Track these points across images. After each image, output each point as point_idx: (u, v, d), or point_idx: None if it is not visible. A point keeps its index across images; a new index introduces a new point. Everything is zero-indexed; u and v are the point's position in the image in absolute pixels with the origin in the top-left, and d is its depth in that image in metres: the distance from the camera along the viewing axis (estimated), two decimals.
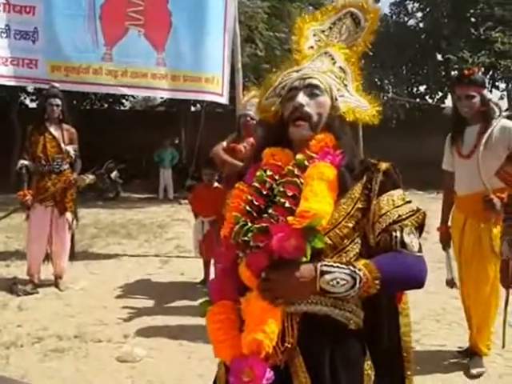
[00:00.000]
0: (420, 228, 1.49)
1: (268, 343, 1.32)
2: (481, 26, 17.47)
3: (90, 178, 5.87)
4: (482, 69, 18.81)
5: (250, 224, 1.45)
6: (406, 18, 20.71)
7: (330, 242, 1.41)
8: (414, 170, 16.04)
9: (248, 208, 1.49)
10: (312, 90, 1.54)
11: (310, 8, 15.29)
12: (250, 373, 1.31)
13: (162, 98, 17.82)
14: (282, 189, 1.47)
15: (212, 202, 4.89)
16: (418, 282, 1.45)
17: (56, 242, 5.49)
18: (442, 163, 3.84)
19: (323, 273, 1.34)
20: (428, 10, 19.20)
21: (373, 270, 1.35)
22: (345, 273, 1.34)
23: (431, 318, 4.57)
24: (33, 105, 19.04)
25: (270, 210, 1.46)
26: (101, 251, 7.50)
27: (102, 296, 5.24)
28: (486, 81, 3.60)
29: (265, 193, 1.51)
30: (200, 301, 1.61)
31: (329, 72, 1.61)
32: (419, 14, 20.24)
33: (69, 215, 5.53)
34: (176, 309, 4.80)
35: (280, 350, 1.38)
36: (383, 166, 1.51)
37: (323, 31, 1.79)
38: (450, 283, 3.79)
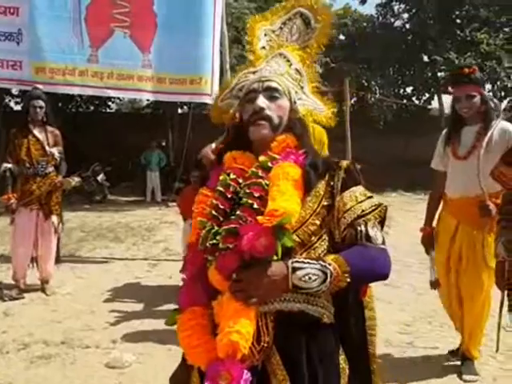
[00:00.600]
0: (382, 221, 1.53)
1: (244, 344, 1.31)
2: (466, 28, 17.63)
3: (75, 180, 5.82)
4: None
5: (216, 228, 1.45)
6: (392, 19, 20.77)
7: (298, 239, 1.43)
8: (401, 171, 16.16)
9: (214, 212, 1.49)
10: (271, 93, 1.55)
11: None
12: (227, 376, 1.30)
13: (148, 100, 17.74)
14: (247, 190, 1.47)
15: None
16: (383, 274, 1.48)
17: (42, 246, 5.42)
18: (429, 164, 3.74)
19: (295, 269, 1.35)
20: (414, 11, 19.30)
21: (342, 264, 1.37)
22: (316, 268, 1.35)
23: (422, 320, 4.57)
24: (17, 107, 18.86)
25: (237, 212, 1.46)
26: (88, 255, 7.43)
27: (90, 300, 5.17)
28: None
29: (229, 196, 1.51)
30: None
31: (286, 74, 1.62)
32: (405, 15, 20.35)
33: (54, 218, 5.46)
34: (165, 313, 4.73)
35: (256, 350, 1.38)
36: (344, 163, 1.54)
37: (274, 31, 1.78)
38: (435, 284, 3.63)
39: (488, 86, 18.38)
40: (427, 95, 19.41)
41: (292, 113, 1.58)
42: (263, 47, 1.75)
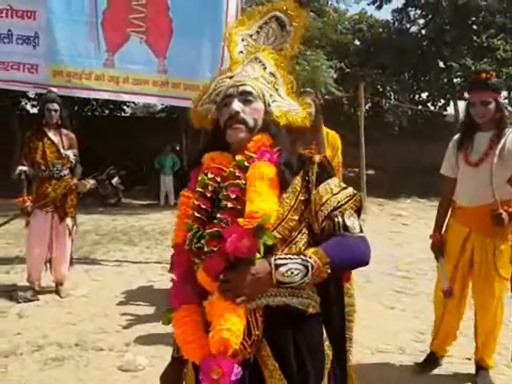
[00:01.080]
0: (358, 210, 1.59)
1: (234, 340, 1.38)
2: (483, 34, 17.55)
3: (90, 182, 5.86)
4: None
5: (201, 230, 1.52)
6: (408, 25, 20.73)
7: (279, 236, 1.49)
8: (416, 177, 16.11)
9: (196, 214, 1.55)
10: (246, 97, 1.61)
11: (312, 14, 15.30)
12: (218, 370, 1.36)
13: (162, 104, 17.85)
14: (225, 192, 1.54)
15: None
16: (362, 261, 1.55)
17: (56, 248, 5.46)
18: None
19: (277, 266, 1.42)
20: (430, 17, 19.22)
21: (322, 256, 1.44)
22: (297, 262, 1.43)
23: None
24: (34, 110, 19.08)
25: (218, 215, 1.52)
26: (102, 258, 7.47)
27: (104, 303, 5.21)
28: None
29: (209, 196, 1.57)
30: None
31: (260, 78, 1.68)
32: (421, 21, 20.30)
33: (69, 221, 5.50)
34: None
35: (248, 344, 1.46)
36: (317, 158, 1.60)
37: (251, 35, 1.84)
38: (448, 293, 3.52)
39: (504, 93, 18.28)
40: (443, 101, 19.33)
41: (266, 115, 1.64)
42: (241, 52, 1.80)
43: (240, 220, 1.43)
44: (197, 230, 1.53)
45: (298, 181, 1.56)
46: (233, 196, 1.51)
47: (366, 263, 1.55)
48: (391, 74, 18.81)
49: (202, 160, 1.67)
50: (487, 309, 3.43)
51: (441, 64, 19.02)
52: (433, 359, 3.74)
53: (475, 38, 17.74)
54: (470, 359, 3.75)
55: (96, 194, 12.79)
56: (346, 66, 18.46)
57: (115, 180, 14.11)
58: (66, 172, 5.46)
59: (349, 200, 1.56)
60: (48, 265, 5.53)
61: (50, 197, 5.33)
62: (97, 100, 18.36)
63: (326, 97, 15.11)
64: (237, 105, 1.59)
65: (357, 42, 20.25)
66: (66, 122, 5.56)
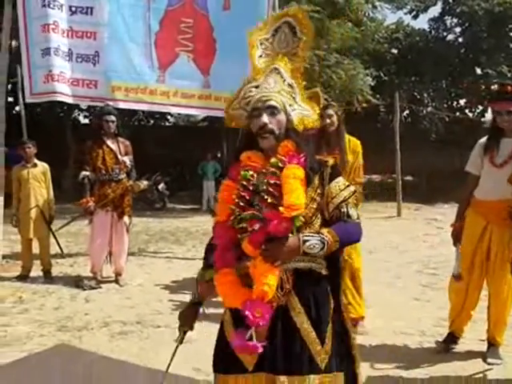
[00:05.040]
0: (356, 203, 2.15)
1: (270, 292, 1.88)
2: None
3: (144, 183, 6.54)
4: None
5: (242, 214, 1.98)
6: (444, 33, 20.92)
7: (303, 219, 1.96)
8: (453, 183, 16.15)
9: (240, 202, 2.01)
10: (272, 111, 2.02)
11: (350, 25, 15.55)
12: (259, 311, 1.89)
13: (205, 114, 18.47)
14: (266, 188, 1.97)
15: None
16: (357, 240, 2.13)
17: (116, 243, 6.13)
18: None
19: (304, 241, 1.91)
20: (467, 25, 19.40)
21: (334, 236, 1.94)
22: (317, 239, 1.92)
23: None
24: (85, 121, 20.04)
25: (255, 202, 1.99)
26: (153, 254, 8.20)
27: (157, 291, 5.86)
28: None
29: (251, 188, 2.02)
30: None
31: (281, 91, 2.07)
32: (458, 29, 20.45)
33: (126, 219, 6.18)
34: (219, 302, 5.31)
35: (281, 294, 1.97)
36: (330, 162, 2.10)
37: (267, 39, 2.19)
38: (458, 277, 3.95)
39: None
40: (481, 108, 19.41)
41: (288, 123, 2.05)
42: (260, 56, 2.17)
43: (281, 208, 1.87)
44: (239, 214, 1.98)
45: (316, 179, 2.03)
46: (275, 193, 1.93)
47: (358, 240, 2.10)
48: (429, 81, 19.01)
49: (240, 157, 2.09)
50: (499, 294, 3.85)
51: (478, 71, 19.14)
52: (452, 339, 4.16)
53: None
54: (483, 340, 4.12)
55: (144, 199, 13.56)
56: (383, 74, 18.76)
57: (161, 186, 14.83)
58: (123, 176, 6.14)
59: (351, 195, 2.06)
60: (108, 258, 6.22)
61: (109, 198, 6.00)
62: (143, 110, 19.16)
63: (364, 105, 15.47)
64: (265, 117, 1.99)
65: (394, 51, 20.51)
66: (121, 131, 6.26)
